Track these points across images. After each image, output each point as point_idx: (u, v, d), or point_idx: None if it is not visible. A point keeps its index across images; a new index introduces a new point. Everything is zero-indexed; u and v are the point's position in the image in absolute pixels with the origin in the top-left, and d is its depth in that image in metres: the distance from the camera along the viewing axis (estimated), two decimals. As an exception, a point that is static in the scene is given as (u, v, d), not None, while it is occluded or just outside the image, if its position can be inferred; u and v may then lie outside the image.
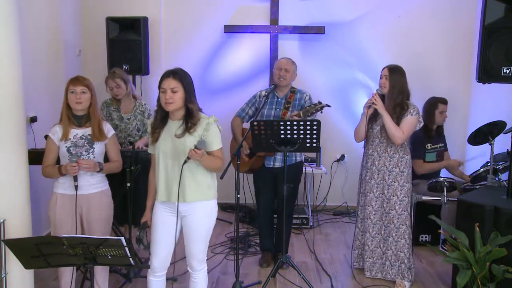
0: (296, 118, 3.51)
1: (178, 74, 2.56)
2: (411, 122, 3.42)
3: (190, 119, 2.58)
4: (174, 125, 2.61)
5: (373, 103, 3.42)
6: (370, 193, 3.56)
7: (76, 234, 2.83)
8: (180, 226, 2.69)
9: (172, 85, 2.53)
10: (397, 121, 3.43)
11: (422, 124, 3.53)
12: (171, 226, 2.63)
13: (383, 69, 3.52)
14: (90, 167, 2.79)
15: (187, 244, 2.67)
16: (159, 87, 2.58)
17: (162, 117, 2.63)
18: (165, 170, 2.60)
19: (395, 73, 3.46)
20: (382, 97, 3.48)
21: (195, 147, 2.48)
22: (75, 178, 2.77)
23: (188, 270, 2.74)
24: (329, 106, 3.59)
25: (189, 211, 2.62)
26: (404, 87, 3.46)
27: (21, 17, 2.69)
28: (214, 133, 2.62)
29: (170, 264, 2.75)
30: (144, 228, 2.67)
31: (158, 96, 2.62)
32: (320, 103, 3.57)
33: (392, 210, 3.48)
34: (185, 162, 2.53)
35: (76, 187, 2.78)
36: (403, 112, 3.43)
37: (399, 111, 3.43)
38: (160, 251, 2.66)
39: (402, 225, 3.48)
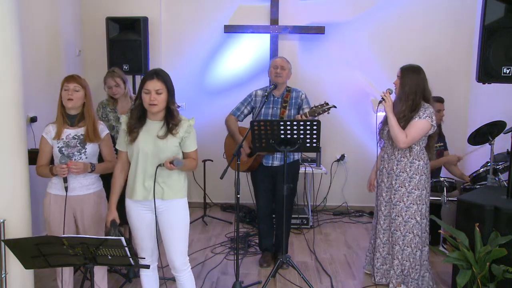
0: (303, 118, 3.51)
1: (161, 76, 2.57)
2: (418, 125, 3.20)
3: (171, 120, 2.60)
4: (154, 126, 2.61)
5: (383, 99, 3.27)
6: (380, 197, 3.47)
7: (66, 234, 2.81)
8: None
9: (157, 87, 2.53)
10: (405, 124, 3.24)
11: (435, 128, 3.28)
12: (150, 221, 2.65)
13: (399, 69, 3.38)
14: (80, 170, 2.76)
15: (168, 244, 2.67)
16: (142, 87, 2.57)
17: (139, 116, 2.62)
18: (144, 170, 2.59)
19: (408, 73, 3.28)
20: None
21: (171, 162, 2.50)
22: (65, 180, 2.75)
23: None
24: (335, 107, 3.56)
25: (164, 208, 2.63)
26: (417, 87, 3.24)
27: (21, 17, 2.69)
28: (194, 135, 2.68)
29: (168, 266, 2.77)
30: (116, 227, 2.63)
31: (137, 96, 2.62)
32: (327, 104, 3.55)
33: (398, 216, 3.33)
34: (159, 165, 2.55)
35: (66, 189, 2.76)
36: (412, 115, 3.22)
37: (409, 113, 3.23)
38: (148, 244, 2.70)
39: (409, 233, 3.32)
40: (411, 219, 3.32)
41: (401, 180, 3.32)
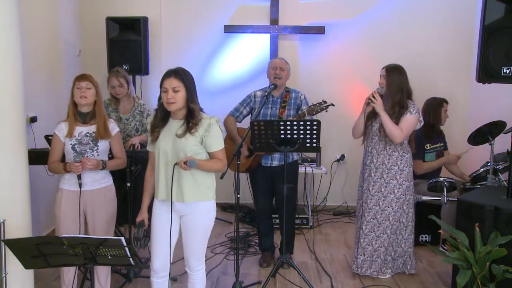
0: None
1: (179, 74, 2.54)
2: (411, 121, 3.41)
3: (191, 119, 2.56)
4: (175, 125, 2.60)
5: (371, 100, 3.42)
6: (366, 190, 3.56)
7: (79, 230, 2.89)
8: (179, 226, 2.69)
9: (174, 85, 2.51)
10: (396, 120, 3.40)
11: (422, 123, 3.51)
12: (167, 223, 2.63)
13: (382, 69, 3.53)
14: (94, 166, 2.83)
15: (185, 244, 2.67)
16: (161, 86, 2.56)
17: (163, 116, 2.62)
18: (165, 169, 2.59)
19: (393, 73, 3.45)
20: (382, 97, 3.47)
21: (185, 162, 2.46)
22: (79, 177, 2.82)
23: (186, 271, 2.73)
24: (333, 105, 3.62)
25: (187, 211, 2.62)
26: (402, 86, 3.44)
27: (21, 17, 2.69)
28: (215, 134, 2.60)
29: (171, 264, 2.74)
30: (141, 227, 2.65)
31: (160, 96, 2.60)
32: (325, 102, 3.59)
33: (388, 207, 3.49)
34: (176, 164, 2.51)
35: (80, 185, 2.83)
36: (402, 111, 3.41)
37: (398, 110, 3.41)
38: (161, 250, 2.65)
39: (396, 221, 3.51)
40: (399, 209, 3.50)
41: (393, 173, 3.47)
